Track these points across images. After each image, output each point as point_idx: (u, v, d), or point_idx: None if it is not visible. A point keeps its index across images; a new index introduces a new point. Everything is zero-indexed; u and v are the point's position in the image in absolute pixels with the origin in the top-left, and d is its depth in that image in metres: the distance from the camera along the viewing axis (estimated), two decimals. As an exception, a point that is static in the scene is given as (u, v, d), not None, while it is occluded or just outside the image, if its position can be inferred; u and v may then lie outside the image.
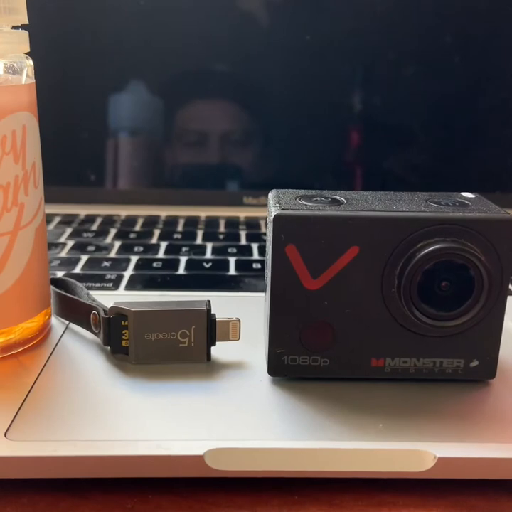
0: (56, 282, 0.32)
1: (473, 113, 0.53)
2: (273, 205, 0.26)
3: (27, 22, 0.25)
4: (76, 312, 0.29)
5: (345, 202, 0.26)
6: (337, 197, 0.27)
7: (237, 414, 0.24)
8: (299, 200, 0.26)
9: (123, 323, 0.27)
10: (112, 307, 0.27)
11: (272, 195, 0.27)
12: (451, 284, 0.25)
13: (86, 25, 0.51)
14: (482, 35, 0.52)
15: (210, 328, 0.27)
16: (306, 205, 0.26)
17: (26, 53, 0.26)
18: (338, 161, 0.54)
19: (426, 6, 0.51)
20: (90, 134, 0.53)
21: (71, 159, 0.53)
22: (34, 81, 0.26)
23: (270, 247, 0.26)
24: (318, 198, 0.26)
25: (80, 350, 0.28)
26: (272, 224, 0.25)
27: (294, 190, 0.28)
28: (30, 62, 0.26)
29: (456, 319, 0.25)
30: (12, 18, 0.24)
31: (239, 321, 0.28)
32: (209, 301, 0.28)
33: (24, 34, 0.26)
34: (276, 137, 0.54)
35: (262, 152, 0.54)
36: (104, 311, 0.27)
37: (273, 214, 0.25)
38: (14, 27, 0.25)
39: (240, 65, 0.52)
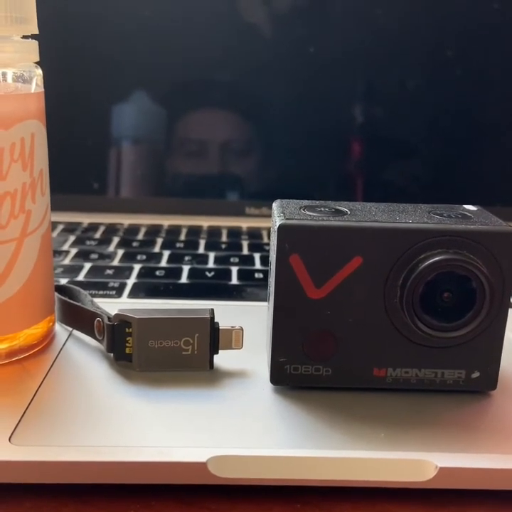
0: (60, 289, 0.32)
1: (475, 126, 0.54)
2: (277, 215, 0.26)
3: (37, 32, 0.26)
4: (80, 319, 0.30)
5: (349, 212, 0.26)
6: (341, 207, 0.27)
7: (240, 422, 0.24)
8: (303, 210, 0.27)
9: (127, 330, 0.27)
10: (116, 314, 0.27)
11: (276, 205, 0.28)
12: (453, 295, 0.25)
13: (91, 36, 0.51)
14: (484, 49, 0.52)
15: (213, 337, 0.27)
16: (310, 215, 0.26)
17: (36, 63, 0.26)
18: (340, 172, 0.55)
19: (428, 20, 0.52)
20: (94, 143, 0.53)
21: (75, 168, 0.53)
22: (43, 90, 0.27)
23: (274, 256, 0.26)
24: (322, 209, 0.27)
25: (83, 357, 0.29)
26: (276, 233, 0.25)
27: (298, 200, 0.28)
28: (40, 71, 0.27)
29: (457, 330, 0.25)
30: (22, 27, 0.25)
31: (242, 329, 0.28)
32: (212, 310, 0.28)
33: (34, 44, 0.26)
34: (279, 148, 0.54)
35: (265, 163, 0.55)
36: (108, 318, 0.28)
37: (277, 224, 0.25)
38: (24, 36, 0.26)
39: (243, 76, 0.53)
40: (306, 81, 0.52)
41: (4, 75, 0.25)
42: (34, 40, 0.26)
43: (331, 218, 0.26)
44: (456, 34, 0.52)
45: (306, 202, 0.28)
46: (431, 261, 0.25)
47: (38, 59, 0.26)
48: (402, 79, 0.53)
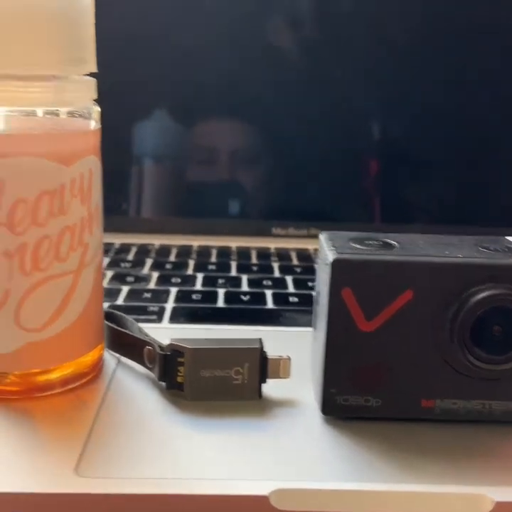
0: (107, 316, 0.33)
1: (496, 146, 0.54)
2: (328, 249, 0.27)
3: (96, 70, 0.26)
4: (128, 346, 0.30)
5: (398, 246, 0.27)
6: (388, 240, 0.28)
7: (294, 454, 0.25)
8: (352, 242, 0.27)
9: (179, 359, 0.28)
10: (169, 344, 0.28)
11: (323, 237, 0.28)
12: (503, 328, 0.25)
13: (105, 56, 0.52)
14: (508, 66, 0.53)
15: (263, 366, 0.28)
16: (359, 248, 0.26)
17: (94, 100, 0.27)
18: (363, 192, 0.55)
19: (447, 35, 0.52)
20: (119, 163, 0.54)
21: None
22: (100, 126, 0.27)
23: (325, 289, 0.26)
24: (371, 242, 0.27)
25: (134, 385, 0.29)
26: (329, 267, 0.26)
27: (345, 232, 0.29)
28: (98, 108, 0.27)
29: (507, 363, 0.26)
30: (83, 67, 0.26)
31: (289, 358, 0.28)
32: (261, 339, 0.28)
33: (92, 81, 0.27)
34: (304, 169, 0.55)
35: (292, 184, 0.55)
36: (160, 347, 0.28)
37: (330, 258, 0.26)
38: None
39: (265, 93, 0.53)
40: (331, 104, 0.53)
41: (66, 113, 0.26)
42: (93, 78, 0.27)
43: (381, 252, 0.26)
44: (480, 50, 0.52)
45: (353, 234, 0.28)
46: (481, 296, 0.25)
47: (96, 96, 0.27)
48: (422, 96, 0.53)
